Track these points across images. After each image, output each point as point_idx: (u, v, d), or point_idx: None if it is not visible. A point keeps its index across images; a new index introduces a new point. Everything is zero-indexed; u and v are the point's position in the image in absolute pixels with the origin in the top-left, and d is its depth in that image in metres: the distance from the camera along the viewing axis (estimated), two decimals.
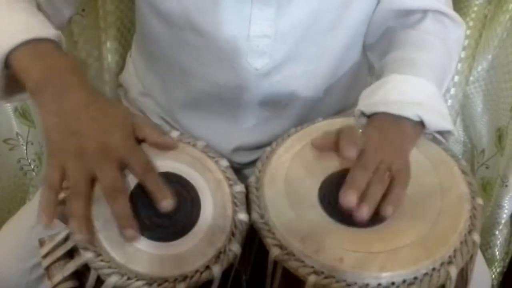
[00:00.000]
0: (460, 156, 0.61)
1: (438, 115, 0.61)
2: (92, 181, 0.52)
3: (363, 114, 0.63)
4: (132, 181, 0.55)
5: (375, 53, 0.77)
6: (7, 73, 0.57)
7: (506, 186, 0.97)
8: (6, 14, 0.58)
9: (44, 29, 0.57)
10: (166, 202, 0.53)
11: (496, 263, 1.04)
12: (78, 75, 0.56)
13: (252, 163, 0.76)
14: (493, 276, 1.04)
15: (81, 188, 0.51)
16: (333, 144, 0.59)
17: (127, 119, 0.56)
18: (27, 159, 1.02)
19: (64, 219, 0.57)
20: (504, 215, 1.00)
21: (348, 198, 0.53)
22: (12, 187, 1.04)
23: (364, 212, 0.52)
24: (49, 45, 0.56)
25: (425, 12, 0.71)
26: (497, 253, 1.03)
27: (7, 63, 0.56)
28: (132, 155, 0.54)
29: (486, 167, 1.05)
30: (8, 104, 0.96)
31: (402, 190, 0.55)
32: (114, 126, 0.54)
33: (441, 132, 0.63)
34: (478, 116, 1.05)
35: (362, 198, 0.53)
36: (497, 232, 1.02)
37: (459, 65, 0.94)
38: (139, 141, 0.57)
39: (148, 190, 0.53)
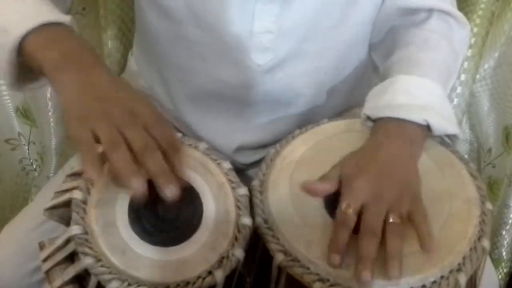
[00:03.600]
0: (466, 155, 0.60)
1: (444, 118, 0.60)
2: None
3: (369, 118, 0.62)
4: None
5: (378, 53, 0.75)
6: (18, 59, 0.55)
7: None
8: None
9: (56, 14, 0.56)
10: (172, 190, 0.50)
11: (503, 264, 1.03)
12: (97, 57, 0.55)
13: (256, 163, 0.75)
14: (500, 276, 1.03)
15: (119, 139, 0.49)
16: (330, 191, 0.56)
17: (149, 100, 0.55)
18: (29, 159, 1.02)
19: (64, 222, 0.57)
20: (511, 215, 0.99)
21: (364, 277, 0.49)
22: (14, 187, 1.04)
23: (366, 277, 0.49)
24: (63, 29, 0.56)
25: (430, 11, 0.70)
26: (504, 253, 1.03)
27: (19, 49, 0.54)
28: (159, 125, 0.51)
29: (493, 166, 1.04)
30: (10, 104, 0.96)
31: (426, 226, 0.52)
32: (140, 96, 0.53)
33: (447, 135, 0.62)
34: (484, 115, 1.04)
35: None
36: (504, 232, 1.01)
37: (466, 63, 0.93)
38: None
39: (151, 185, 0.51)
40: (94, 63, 0.54)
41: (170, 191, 0.49)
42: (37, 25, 0.54)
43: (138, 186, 0.48)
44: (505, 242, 1.02)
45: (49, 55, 0.53)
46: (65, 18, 0.56)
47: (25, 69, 0.56)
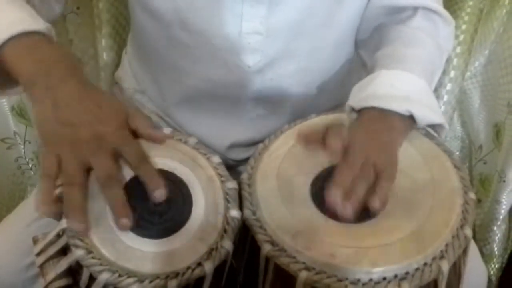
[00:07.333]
0: (457, 152, 0.61)
1: (427, 109, 0.61)
2: (88, 171, 0.52)
3: (353, 109, 0.63)
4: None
5: (366, 50, 0.76)
6: None
7: (504, 181, 0.96)
8: None
9: (33, 23, 0.56)
10: (159, 192, 0.53)
11: (494, 259, 1.04)
12: (71, 67, 0.55)
13: (247, 159, 0.76)
14: (492, 272, 1.04)
15: (76, 178, 0.51)
16: (319, 138, 0.59)
17: (120, 110, 0.56)
18: (25, 158, 1.02)
19: (57, 216, 0.57)
20: (502, 211, 1.00)
21: (333, 197, 0.53)
22: (10, 186, 1.04)
23: (348, 210, 0.53)
24: (40, 38, 0.56)
25: (415, 9, 0.71)
26: (495, 249, 1.03)
27: None
28: (126, 145, 0.54)
29: (484, 163, 1.04)
30: (5, 103, 0.96)
31: (388, 184, 0.55)
32: (107, 116, 0.54)
33: (433, 126, 0.63)
34: (475, 112, 1.05)
35: (347, 195, 0.54)
36: (495, 228, 1.01)
37: (455, 60, 0.94)
38: (133, 133, 0.57)
39: (141, 180, 0.53)
40: (65, 76, 0.54)
41: (122, 226, 0.52)
42: (13, 34, 0.54)
43: (78, 227, 0.51)
44: (496, 238, 1.02)
45: (22, 68, 0.54)
46: (41, 26, 0.56)
47: (5, 75, 0.56)
